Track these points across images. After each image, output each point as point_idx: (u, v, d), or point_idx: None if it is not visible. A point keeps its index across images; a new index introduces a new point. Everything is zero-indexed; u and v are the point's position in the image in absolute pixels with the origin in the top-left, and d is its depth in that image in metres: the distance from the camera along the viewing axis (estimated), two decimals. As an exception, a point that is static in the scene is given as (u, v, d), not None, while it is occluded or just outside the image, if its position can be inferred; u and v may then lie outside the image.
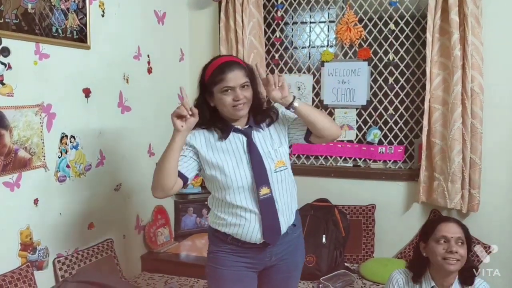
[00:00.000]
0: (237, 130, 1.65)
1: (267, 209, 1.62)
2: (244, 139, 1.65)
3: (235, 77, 1.58)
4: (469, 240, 1.78)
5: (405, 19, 2.79)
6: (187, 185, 1.75)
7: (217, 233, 1.69)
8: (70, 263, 2.17)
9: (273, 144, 1.69)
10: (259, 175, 1.61)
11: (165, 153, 1.55)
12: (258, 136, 1.68)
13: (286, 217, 1.68)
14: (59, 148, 2.13)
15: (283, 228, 1.66)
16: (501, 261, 2.61)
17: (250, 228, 1.62)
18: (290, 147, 1.79)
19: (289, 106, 1.62)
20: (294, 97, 1.64)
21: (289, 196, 1.70)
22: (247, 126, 1.67)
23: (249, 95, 1.62)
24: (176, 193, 2.94)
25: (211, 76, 1.60)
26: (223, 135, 1.64)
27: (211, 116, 1.65)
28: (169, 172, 1.54)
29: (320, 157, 3.05)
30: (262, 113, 1.70)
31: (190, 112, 1.50)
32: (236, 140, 1.65)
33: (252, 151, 1.63)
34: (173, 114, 1.51)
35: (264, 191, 1.60)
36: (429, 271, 1.81)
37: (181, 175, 1.59)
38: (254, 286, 1.74)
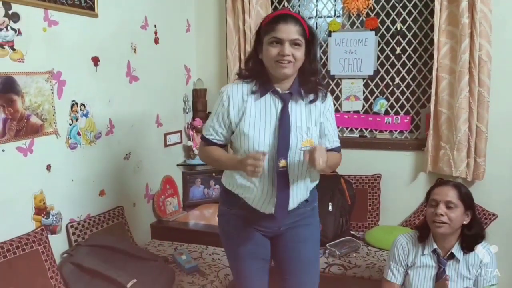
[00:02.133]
0: (276, 93, 1.59)
1: (282, 181, 1.58)
2: (280, 105, 1.59)
3: (287, 31, 1.50)
4: (467, 205, 1.80)
5: (413, -13, 2.77)
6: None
7: (229, 194, 1.71)
8: (82, 228, 2.23)
9: (309, 121, 1.62)
10: (282, 146, 1.56)
11: (221, 164, 1.69)
12: (296, 107, 1.61)
13: (298, 194, 1.66)
14: (69, 116, 2.16)
15: (293, 203, 1.65)
16: (505, 229, 2.67)
17: (258, 196, 1.62)
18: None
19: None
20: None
21: (307, 176, 1.66)
22: (287, 91, 1.60)
23: (299, 55, 1.54)
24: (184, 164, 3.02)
25: (265, 25, 1.56)
26: (260, 91, 1.59)
27: (257, 70, 1.61)
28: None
29: (326, 128, 3.07)
30: (312, 83, 1.62)
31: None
32: (271, 103, 1.60)
33: (283, 119, 1.57)
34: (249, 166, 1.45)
35: (282, 163, 1.56)
36: (432, 234, 1.85)
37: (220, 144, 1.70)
38: (267, 248, 1.77)
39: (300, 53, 1.55)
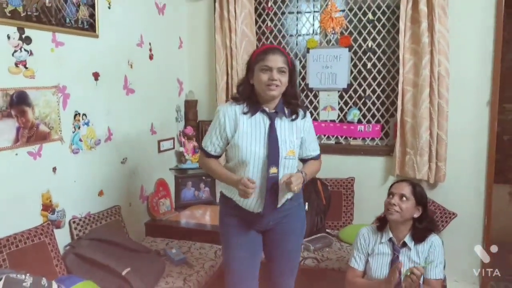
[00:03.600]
0: (264, 112, 1.90)
1: (271, 186, 1.87)
2: (268, 122, 1.89)
3: (275, 60, 1.82)
4: (419, 200, 2.09)
5: (381, 9, 3.09)
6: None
7: (225, 197, 2.03)
8: (83, 224, 2.51)
9: (291, 135, 1.93)
10: (273, 156, 1.86)
11: (218, 177, 2.00)
12: (280, 124, 1.91)
13: (284, 196, 1.97)
14: (73, 124, 2.45)
15: (280, 202, 1.95)
16: (463, 226, 2.95)
17: (248, 200, 1.91)
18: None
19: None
20: (304, 179, 1.90)
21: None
22: (274, 111, 1.91)
23: (284, 80, 1.85)
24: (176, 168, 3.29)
25: (256, 56, 1.87)
26: (251, 111, 1.89)
27: (248, 93, 1.91)
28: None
29: (306, 136, 3.36)
30: (293, 104, 1.94)
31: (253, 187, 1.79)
32: (261, 120, 1.90)
33: (271, 134, 1.88)
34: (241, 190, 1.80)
35: (273, 170, 1.85)
36: (388, 225, 2.15)
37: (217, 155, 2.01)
38: (259, 241, 2.07)
39: (284, 78, 1.87)
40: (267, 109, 1.91)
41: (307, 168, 2.02)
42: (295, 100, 1.95)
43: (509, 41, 4.02)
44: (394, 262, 2.09)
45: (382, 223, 2.18)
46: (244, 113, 1.91)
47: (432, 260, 2.05)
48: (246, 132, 1.89)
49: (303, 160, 2.09)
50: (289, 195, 2.00)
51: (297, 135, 1.96)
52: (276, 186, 1.89)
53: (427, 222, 2.14)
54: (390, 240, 2.13)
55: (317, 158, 2.11)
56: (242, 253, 2.04)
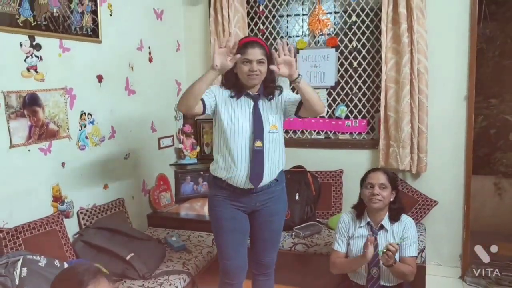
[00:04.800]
0: (248, 95, 2.15)
1: (256, 158, 2.10)
2: (252, 103, 2.15)
3: (254, 53, 2.06)
4: (393, 185, 2.31)
5: (365, 11, 3.29)
6: (204, 113, 2.15)
7: (215, 179, 2.22)
8: (90, 214, 2.73)
9: (272, 112, 2.18)
10: (258, 130, 2.11)
11: (196, 82, 2.02)
12: (263, 104, 2.17)
13: (271, 171, 2.16)
14: (79, 123, 2.67)
15: (266, 178, 2.14)
16: (444, 213, 3.15)
17: (237, 174, 2.11)
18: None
19: (294, 81, 2.05)
20: (299, 75, 2.05)
21: (277, 155, 2.19)
22: (256, 93, 2.16)
23: (263, 70, 2.09)
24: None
25: (238, 50, 2.05)
26: (237, 95, 2.15)
27: (234, 80, 2.16)
28: (196, 96, 2.02)
29: (297, 131, 3.58)
30: (271, 87, 2.19)
31: (227, 45, 1.99)
32: (245, 103, 2.15)
33: (256, 112, 2.14)
34: (215, 52, 2.01)
35: (258, 144, 2.10)
36: (366, 211, 2.35)
37: (203, 101, 2.09)
38: (246, 222, 2.26)
39: (263, 68, 2.11)
40: (250, 93, 2.16)
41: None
42: (272, 84, 2.19)
43: (493, 38, 4.23)
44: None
45: (359, 210, 2.38)
46: (231, 97, 2.16)
47: (407, 237, 2.25)
48: (234, 110, 2.14)
49: (300, 106, 2.18)
50: (274, 174, 2.19)
51: (278, 110, 2.20)
52: (261, 160, 2.11)
53: (399, 202, 2.36)
54: (368, 223, 2.33)
55: None
56: (235, 236, 2.24)
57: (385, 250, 2.11)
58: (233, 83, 2.17)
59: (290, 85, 3.14)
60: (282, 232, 2.97)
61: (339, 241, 2.41)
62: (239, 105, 2.16)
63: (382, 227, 2.31)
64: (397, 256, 2.18)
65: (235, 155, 2.12)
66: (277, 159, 2.21)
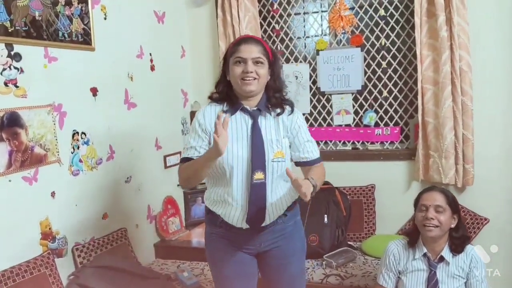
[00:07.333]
0: (245, 110, 1.67)
1: (256, 194, 1.63)
2: (250, 121, 1.66)
3: (249, 50, 1.61)
4: (454, 208, 1.89)
5: (394, 4, 2.90)
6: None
7: (210, 213, 1.79)
8: (87, 250, 2.34)
9: (278, 133, 1.69)
10: (257, 159, 1.63)
11: (199, 166, 1.61)
12: (264, 122, 1.68)
13: (275, 207, 1.69)
14: (71, 144, 2.29)
15: (269, 217, 1.69)
16: (497, 232, 2.73)
17: (232, 211, 1.67)
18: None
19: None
20: (314, 186, 1.55)
21: (283, 188, 1.71)
22: (255, 108, 1.68)
23: (263, 72, 1.63)
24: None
25: (229, 48, 1.68)
26: (231, 110, 1.67)
27: (226, 91, 1.70)
28: (199, 179, 1.70)
29: (320, 142, 3.17)
30: (277, 98, 1.70)
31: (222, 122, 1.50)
32: (242, 120, 1.67)
33: (255, 134, 1.65)
34: (216, 141, 1.49)
35: (258, 175, 1.62)
36: (421, 239, 1.94)
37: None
38: (251, 263, 1.81)
39: (263, 70, 1.64)
40: (248, 107, 1.68)
41: (313, 174, 1.66)
42: (278, 94, 1.71)
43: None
44: (432, 278, 1.89)
45: (412, 238, 1.97)
46: (224, 112, 1.66)
47: (477, 276, 1.84)
48: (231, 129, 1.65)
49: (299, 164, 1.78)
50: (281, 210, 1.74)
51: (285, 133, 1.71)
52: (263, 195, 1.65)
53: (463, 229, 1.94)
54: (424, 255, 1.92)
55: (317, 162, 1.78)
56: (240, 284, 1.81)
57: None
58: (226, 93, 1.70)
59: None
60: (310, 261, 2.61)
61: (385, 276, 2.01)
62: (234, 123, 1.66)
63: (442, 259, 1.90)
64: None
65: (229, 189, 1.66)
66: (286, 193, 1.72)
